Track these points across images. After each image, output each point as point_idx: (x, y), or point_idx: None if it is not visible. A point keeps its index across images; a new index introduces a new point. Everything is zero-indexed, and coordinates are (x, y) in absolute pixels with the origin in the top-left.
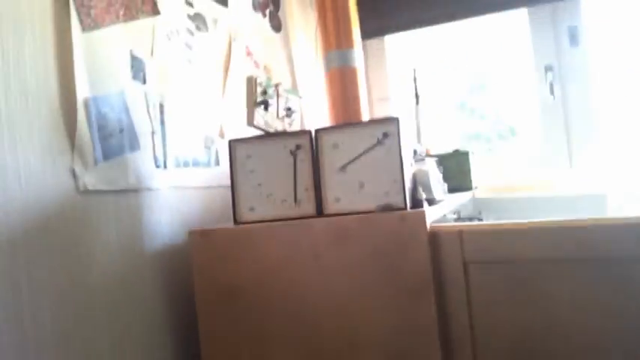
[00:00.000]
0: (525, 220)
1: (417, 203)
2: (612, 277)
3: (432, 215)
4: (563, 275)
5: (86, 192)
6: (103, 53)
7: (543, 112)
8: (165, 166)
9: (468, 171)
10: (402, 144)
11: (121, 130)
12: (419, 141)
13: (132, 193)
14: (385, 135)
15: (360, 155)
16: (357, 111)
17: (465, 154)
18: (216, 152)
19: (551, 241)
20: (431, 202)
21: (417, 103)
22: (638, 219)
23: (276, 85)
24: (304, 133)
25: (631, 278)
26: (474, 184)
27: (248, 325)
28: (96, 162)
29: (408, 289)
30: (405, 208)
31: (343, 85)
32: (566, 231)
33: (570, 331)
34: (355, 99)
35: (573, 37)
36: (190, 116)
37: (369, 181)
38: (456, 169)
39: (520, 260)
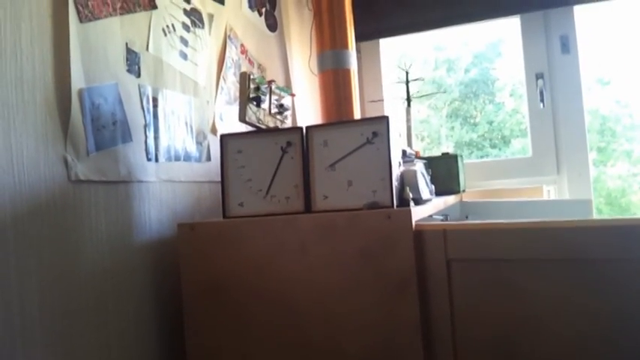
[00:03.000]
0: (508, 221)
1: (403, 202)
2: (590, 278)
3: (417, 214)
4: (544, 275)
5: (78, 182)
6: (99, 45)
7: (533, 120)
8: (156, 160)
9: (457, 174)
10: (390, 143)
11: (114, 122)
12: (409, 143)
13: (123, 184)
14: (375, 134)
15: (350, 153)
16: (349, 112)
17: (454, 158)
18: (208, 147)
19: (533, 242)
20: (417, 201)
21: (409, 105)
22: (616, 221)
23: (270, 82)
24: (295, 130)
25: (609, 280)
26: (461, 188)
27: (233, 319)
28: (88, 152)
29: (392, 285)
30: (392, 206)
31: (336, 86)
32: (547, 232)
33: (549, 329)
34: (348, 100)
35: (564, 46)
36: (183, 111)
37: (357, 180)
38: (444, 172)
39: (502, 259)
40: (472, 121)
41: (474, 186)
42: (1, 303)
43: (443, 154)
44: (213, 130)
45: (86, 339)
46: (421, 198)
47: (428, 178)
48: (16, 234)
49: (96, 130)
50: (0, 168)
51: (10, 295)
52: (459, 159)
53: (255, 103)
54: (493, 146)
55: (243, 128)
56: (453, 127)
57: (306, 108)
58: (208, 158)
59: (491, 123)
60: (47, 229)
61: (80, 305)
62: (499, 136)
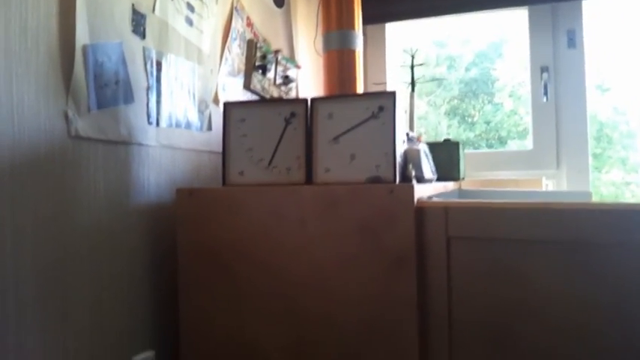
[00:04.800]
0: (511, 201)
1: (406, 179)
2: (590, 261)
3: (419, 192)
4: (543, 256)
5: (77, 138)
6: (105, 2)
7: (535, 113)
8: (157, 124)
9: (457, 161)
10: (396, 119)
11: (117, 82)
12: (411, 127)
13: (122, 145)
14: (380, 109)
15: (354, 127)
16: (352, 92)
17: (456, 145)
18: (210, 117)
19: (534, 223)
20: (419, 179)
21: (413, 90)
22: (618, 206)
23: (276, 52)
24: (300, 101)
25: (609, 264)
26: (461, 175)
27: (227, 285)
28: (89, 109)
29: (390, 261)
30: (395, 181)
31: (341, 66)
32: (549, 213)
33: (544, 311)
34: (352, 81)
35: (571, 40)
36: (186, 78)
37: (360, 153)
38: (445, 159)
39: (502, 239)
40: (470, 120)
41: (473, 176)
42: None
43: (445, 140)
44: (216, 100)
45: (79, 290)
46: (423, 177)
47: (430, 159)
48: (13, 183)
49: (98, 88)
50: (0, 117)
51: (4, 243)
52: (460, 146)
53: (260, 71)
54: (490, 146)
55: (247, 99)
56: (450, 125)
57: (310, 88)
58: (209, 128)
59: (488, 123)
60: (45, 181)
61: (74, 258)
62: (496, 137)
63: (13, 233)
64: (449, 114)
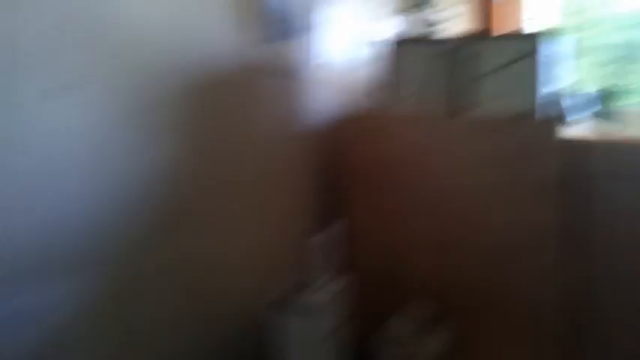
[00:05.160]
0: None
1: (554, 116)
2: None
3: (566, 130)
4: None
5: (249, 68)
6: None
7: None
8: (320, 60)
9: (613, 109)
10: (547, 59)
11: (285, 19)
12: (564, 74)
13: (289, 77)
14: (530, 49)
15: (505, 65)
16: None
17: (612, 93)
18: (367, 54)
19: None
20: (569, 120)
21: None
22: None
23: None
24: (454, 40)
25: None
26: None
27: (380, 207)
28: (265, 41)
29: (532, 192)
30: (541, 117)
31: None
32: None
33: None
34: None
35: None
36: (346, 18)
37: (509, 90)
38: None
39: None
40: (625, 86)
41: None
42: (168, 153)
43: (601, 88)
44: (372, 40)
45: (244, 202)
46: (573, 117)
47: (586, 100)
48: (201, 101)
49: (271, 23)
50: (191, 43)
51: (187, 148)
52: (617, 95)
53: (416, 11)
54: None
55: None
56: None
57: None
58: (365, 65)
59: None
60: (220, 99)
61: (243, 172)
62: None
63: (199, 138)
64: (602, 79)
